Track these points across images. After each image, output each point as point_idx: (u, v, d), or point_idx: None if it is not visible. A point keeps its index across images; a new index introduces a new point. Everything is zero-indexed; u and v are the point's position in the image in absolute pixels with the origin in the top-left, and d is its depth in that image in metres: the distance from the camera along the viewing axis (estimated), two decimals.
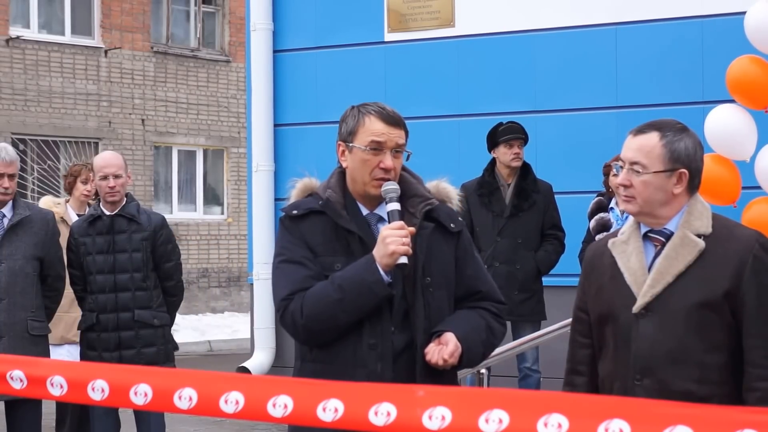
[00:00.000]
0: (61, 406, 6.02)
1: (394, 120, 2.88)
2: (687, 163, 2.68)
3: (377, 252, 2.80)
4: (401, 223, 2.81)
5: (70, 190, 6.17)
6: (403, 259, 2.78)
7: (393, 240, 2.77)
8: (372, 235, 2.87)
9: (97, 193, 6.01)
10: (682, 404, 2.21)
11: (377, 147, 2.85)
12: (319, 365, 2.87)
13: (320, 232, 2.89)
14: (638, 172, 2.66)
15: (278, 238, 2.97)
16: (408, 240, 2.78)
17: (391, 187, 2.85)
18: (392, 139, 2.86)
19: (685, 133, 2.70)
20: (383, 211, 2.90)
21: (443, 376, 2.84)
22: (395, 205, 2.84)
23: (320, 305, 2.81)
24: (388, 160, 2.85)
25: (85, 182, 6.07)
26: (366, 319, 2.83)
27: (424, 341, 2.84)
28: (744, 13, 5.85)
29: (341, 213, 2.89)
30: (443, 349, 2.80)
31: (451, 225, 2.95)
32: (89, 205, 6.12)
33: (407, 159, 2.95)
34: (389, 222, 2.84)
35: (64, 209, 6.04)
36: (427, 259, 2.89)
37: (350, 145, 2.89)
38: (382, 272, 2.79)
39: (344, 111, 2.96)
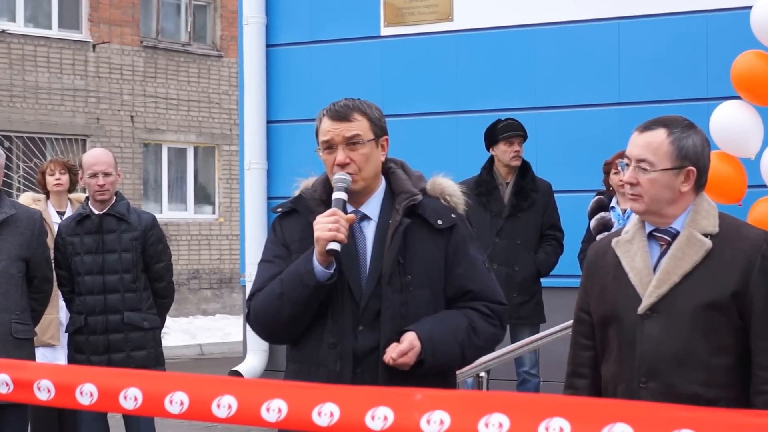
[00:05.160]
0: (36, 414, 5.83)
1: (339, 114, 2.88)
2: (695, 160, 2.65)
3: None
4: (333, 210, 2.80)
5: (44, 188, 6.08)
6: (333, 245, 2.76)
7: (319, 227, 2.78)
8: (350, 232, 2.85)
9: (70, 186, 6.01)
10: (686, 407, 2.15)
11: (327, 146, 2.88)
12: (293, 365, 2.91)
13: (299, 229, 2.92)
14: (645, 169, 2.63)
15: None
16: (337, 226, 2.76)
17: (340, 176, 2.86)
18: (339, 134, 2.86)
19: (693, 129, 2.69)
20: (367, 208, 2.92)
21: (409, 378, 2.75)
22: (339, 194, 2.84)
23: (266, 301, 2.86)
24: (339, 156, 2.86)
25: (52, 173, 5.98)
26: (330, 317, 2.83)
27: (393, 341, 2.81)
28: (749, 7, 5.83)
29: (314, 210, 2.89)
30: (395, 347, 2.77)
31: (438, 222, 2.90)
32: (70, 200, 6.05)
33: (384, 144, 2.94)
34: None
35: (44, 206, 5.96)
36: (407, 256, 2.85)
37: (318, 148, 2.95)
38: (315, 263, 2.78)
39: None
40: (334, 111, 2.89)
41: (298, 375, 2.85)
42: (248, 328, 8.10)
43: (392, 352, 2.76)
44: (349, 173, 2.85)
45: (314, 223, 2.80)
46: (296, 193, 3.01)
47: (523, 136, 6.22)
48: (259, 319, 2.89)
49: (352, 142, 2.86)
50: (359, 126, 2.87)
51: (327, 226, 2.76)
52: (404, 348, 2.76)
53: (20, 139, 14.72)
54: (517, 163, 6.19)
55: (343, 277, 2.84)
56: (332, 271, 2.80)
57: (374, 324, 2.82)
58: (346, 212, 2.83)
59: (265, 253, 2.97)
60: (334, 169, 2.87)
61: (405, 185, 2.92)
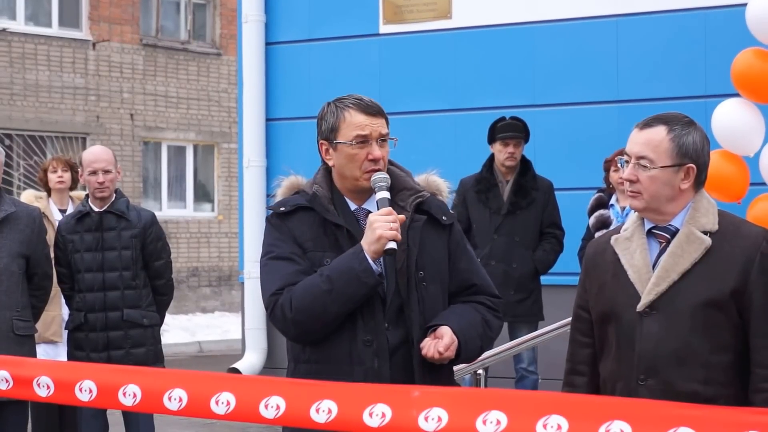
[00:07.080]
0: (36, 410, 5.84)
1: (374, 110, 2.87)
2: (695, 157, 2.64)
3: (365, 240, 2.79)
4: (389, 209, 2.80)
5: (46, 186, 6.06)
6: (392, 245, 2.76)
7: (380, 225, 2.76)
8: (360, 230, 2.85)
9: (72, 184, 6.00)
10: (684, 405, 2.17)
11: (363, 140, 2.85)
12: (314, 365, 2.84)
13: (308, 227, 2.89)
14: (645, 167, 2.62)
15: (265, 236, 2.96)
16: (396, 225, 2.77)
17: (380, 176, 2.84)
18: (376, 129, 2.86)
19: (693, 126, 2.67)
20: (372, 205, 2.89)
21: (441, 371, 2.83)
22: (384, 194, 2.83)
23: (309, 297, 2.78)
24: (375, 151, 2.85)
25: (54, 171, 5.98)
26: (359, 316, 2.81)
27: (419, 337, 2.82)
28: (747, 4, 5.78)
29: (328, 207, 2.88)
30: (438, 342, 2.78)
31: (443, 218, 2.93)
32: (71, 198, 6.04)
33: (394, 146, 2.93)
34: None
35: (46, 204, 5.96)
36: (419, 252, 2.87)
37: (334, 142, 2.88)
38: (370, 261, 2.77)
39: (320, 108, 2.95)
40: (366, 106, 2.86)
41: (319, 375, 2.79)
42: (247, 326, 8.11)
43: (439, 347, 2.76)
44: (379, 169, 2.85)
45: (372, 221, 2.76)
46: (280, 191, 2.98)
47: (522, 138, 6.18)
48: (300, 314, 2.77)
49: (382, 140, 2.87)
50: (385, 123, 2.89)
51: (389, 225, 2.75)
52: (447, 342, 2.77)
53: (20, 137, 14.70)
54: (510, 163, 6.16)
55: None
56: (381, 270, 2.81)
57: (398, 320, 2.82)
58: None
59: (274, 250, 2.89)
60: (364, 164, 2.84)
61: (406, 182, 2.93)
